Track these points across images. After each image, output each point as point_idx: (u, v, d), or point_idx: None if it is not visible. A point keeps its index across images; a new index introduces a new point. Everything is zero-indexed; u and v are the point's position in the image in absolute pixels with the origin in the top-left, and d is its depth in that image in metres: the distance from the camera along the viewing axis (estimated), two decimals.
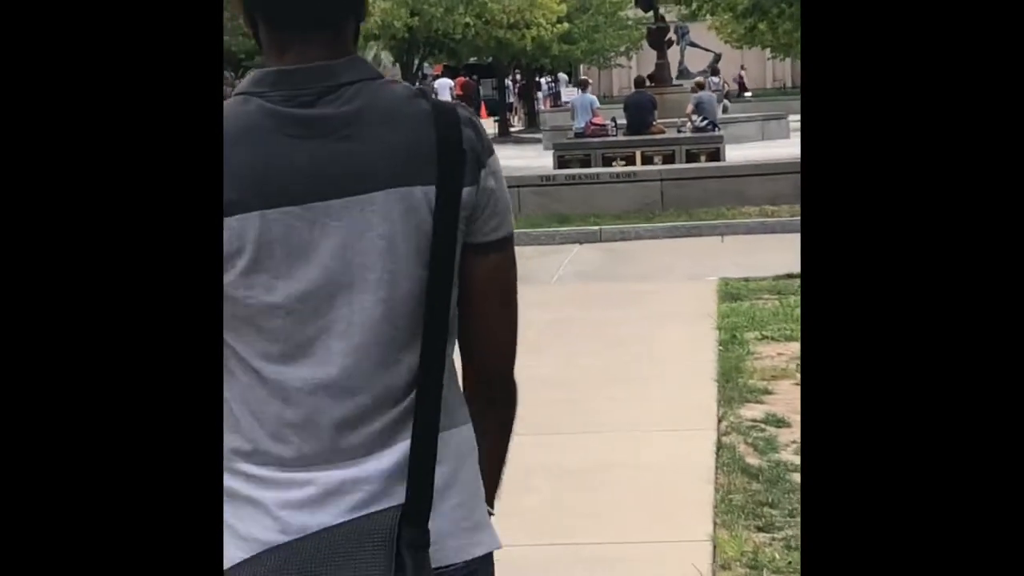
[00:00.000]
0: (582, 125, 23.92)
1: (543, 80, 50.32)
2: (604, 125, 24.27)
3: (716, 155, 22.21)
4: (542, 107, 46.17)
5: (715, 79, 39.66)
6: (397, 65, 31.79)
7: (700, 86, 25.97)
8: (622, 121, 24.24)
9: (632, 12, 37.54)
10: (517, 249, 2.13)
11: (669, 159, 21.72)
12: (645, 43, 34.95)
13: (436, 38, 26.49)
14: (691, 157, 21.84)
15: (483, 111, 51.05)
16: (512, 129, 38.84)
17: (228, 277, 1.96)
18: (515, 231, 2.11)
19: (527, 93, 42.33)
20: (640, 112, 23.95)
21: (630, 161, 22.10)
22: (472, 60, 42.98)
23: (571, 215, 16.13)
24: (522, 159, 27.68)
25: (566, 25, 28.12)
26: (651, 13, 31.38)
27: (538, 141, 35.22)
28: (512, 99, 42.12)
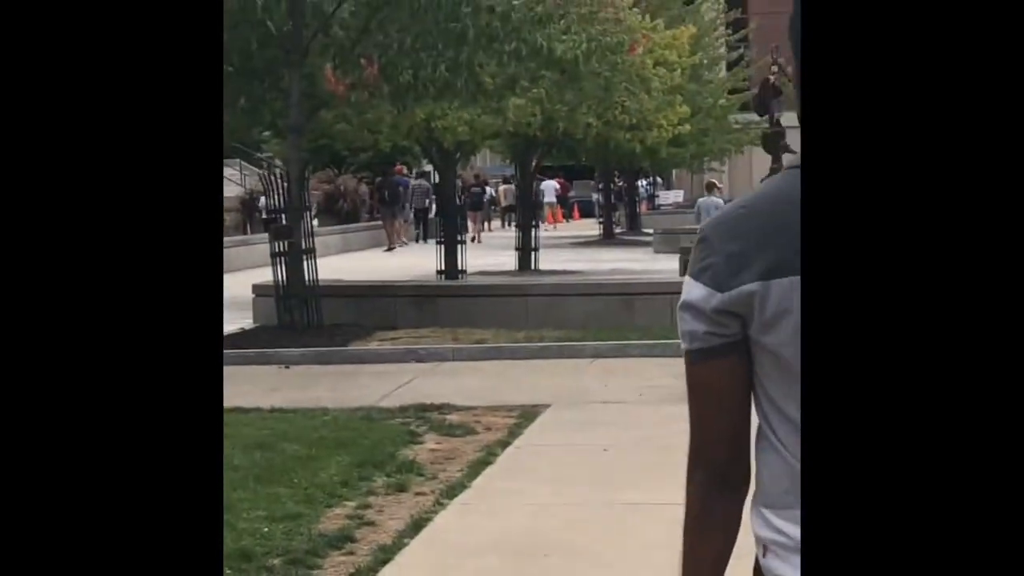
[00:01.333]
0: None
1: (640, 183, 49.60)
2: None
3: None
4: (640, 210, 45.37)
5: None
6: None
7: None
8: None
9: (740, 115, 36.88)
10: None
11: None
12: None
13: (558, 137, 25.85)
14: None
15: (576, 213, 50.36)
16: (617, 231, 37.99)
17: (778, 336, 2.06)
18: None
19: (630, 195, 41.65)
20: None
21: None
22: (571, 162, 42.51)
23: None
24: (640, 262, 26.69)
25: (687, 127, 27.37)
26: (765, 117, 30.55)
27: (642, 244, 34.36)
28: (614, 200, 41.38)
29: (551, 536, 7.50)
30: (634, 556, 7.11)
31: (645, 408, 11.52)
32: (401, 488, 8.79)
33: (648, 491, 8.43)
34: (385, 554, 7.24)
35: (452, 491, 8.65)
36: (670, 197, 54.52)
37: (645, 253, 29.59)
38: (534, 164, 28.41)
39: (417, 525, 7.83)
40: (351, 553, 7.35)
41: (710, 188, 25.16)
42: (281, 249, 16.40)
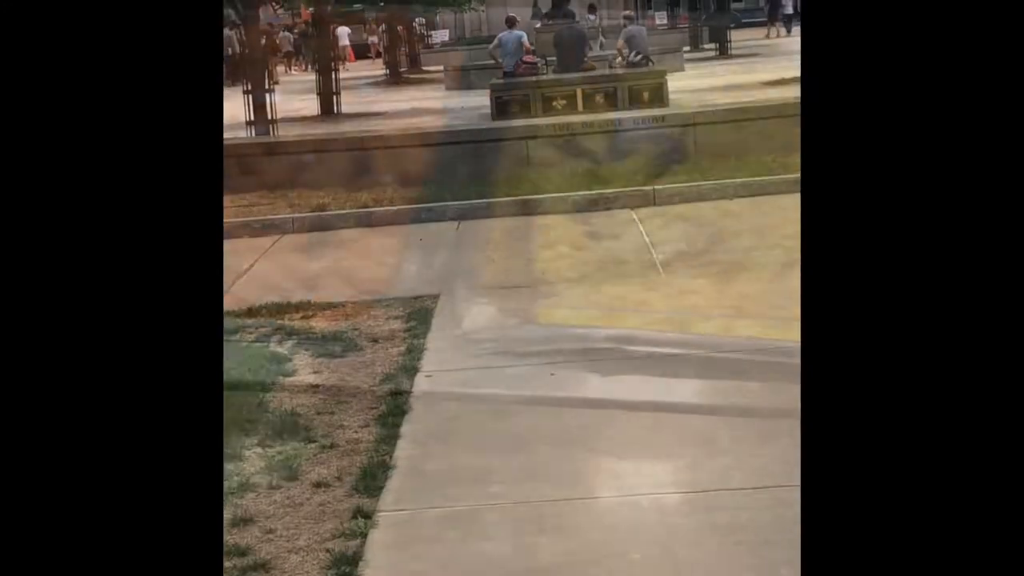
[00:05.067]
0: (512, 65, 19.03)
1: (414, 23, 45.25)
2: (535, 63, 19.43)
3: (659, 90, 17.83)
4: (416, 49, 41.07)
5: (591, 16, 35.13)
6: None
7: (629, 19, 21.33)
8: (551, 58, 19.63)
9: None
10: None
11: (611, 97, 17.35)
12: None
13: None
14: (634, 94, 17.52)
15: (351, 55, 45.56)
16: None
17: None
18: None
19: (409, 35, 37.32)
20: (572, 48, 19.20)
21: (571, 101, 17.58)
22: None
23: None
24: (439, 100, 22.56)
25: None
26: None
27: (427, 82, 30.12)
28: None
29: None
30: None
31: (560, 288, 7.83)
32: (291, 474, 4.95)
33: (670, 460, 4.79)
34: None
35: (371, 476, 4.82)
36: (439, 36, 50.52)
37: (436, 90, 25.38)
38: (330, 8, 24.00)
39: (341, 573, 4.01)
40: None
41: (511, 23, 21.18)
42: None
